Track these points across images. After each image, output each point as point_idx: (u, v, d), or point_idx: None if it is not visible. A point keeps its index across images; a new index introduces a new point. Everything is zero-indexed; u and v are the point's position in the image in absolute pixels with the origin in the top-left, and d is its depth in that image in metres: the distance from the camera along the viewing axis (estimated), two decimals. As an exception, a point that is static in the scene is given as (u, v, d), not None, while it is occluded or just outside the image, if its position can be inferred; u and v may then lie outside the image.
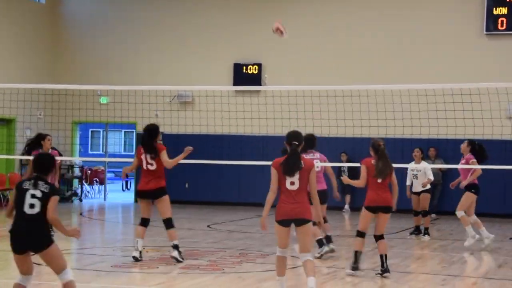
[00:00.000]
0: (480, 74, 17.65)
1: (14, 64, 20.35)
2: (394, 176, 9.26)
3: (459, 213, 11.76)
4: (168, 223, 9.89)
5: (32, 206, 6.22)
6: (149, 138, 10.04)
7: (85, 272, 9.31)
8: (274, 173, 7.24)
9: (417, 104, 15.55)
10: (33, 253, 6.33)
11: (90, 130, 31.33)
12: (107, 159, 18.92)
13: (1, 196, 18.70)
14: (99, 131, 30.34)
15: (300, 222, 7.18)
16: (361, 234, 9.15)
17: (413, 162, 13.75)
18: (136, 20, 21.75)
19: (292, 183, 7.15)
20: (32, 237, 6.20)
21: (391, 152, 13.41)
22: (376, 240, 9.14)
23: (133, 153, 24.58)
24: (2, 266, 9.88)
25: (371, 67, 19.42)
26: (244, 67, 20.65)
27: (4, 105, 17.80)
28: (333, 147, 17.99)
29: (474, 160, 11.85)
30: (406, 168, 13.75)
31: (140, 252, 9.90)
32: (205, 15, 21.19)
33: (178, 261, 9.74)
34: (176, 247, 9.83)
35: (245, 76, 20.54)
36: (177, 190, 20.19)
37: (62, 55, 22.21)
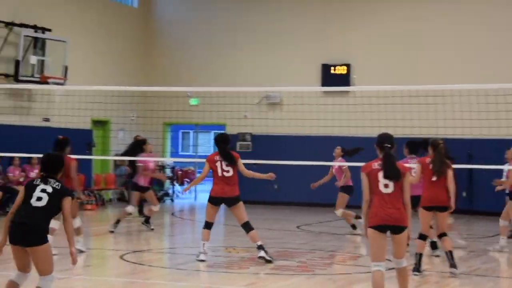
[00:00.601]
0: None
1: (108, 67, 20.98)
2: (450, 175, 9.12)
3: None
4: (247, 227, 9.99)
5: (39, 199, 6.04)
6: (225, 145, 10.15)
7: (176, 271, 9.50)
8: (365, 179, 6.77)
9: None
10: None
11: (181, 131, 31.90)
12: (197, 160, 19.17)
13: (98, 196, 19.30)
14: (190, 132, 30.83)
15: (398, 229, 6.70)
16: (423, 237, 9.15)
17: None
18: (225, 23, 22.04)
19: (387, 186, 6.66)
20: (29, 229, 5.95)
21: (488, 153, 13.13)
22: (439, 238, 9.21)
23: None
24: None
25: (462, 66, 18.99)
26: (332, 68, 20.59)
27: (100, 107, 18.41)
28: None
29: None
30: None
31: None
32: (292, 16, 21.24)
33: (267, 261, 9.78)
34: (261, 247, 9.88)
35: (333, 77, 20.47)
36: (267, 191, 20.37)
37: (154, 57, 22.74)
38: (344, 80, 20.29)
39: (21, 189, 6.32)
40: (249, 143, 21.50)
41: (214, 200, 10.13)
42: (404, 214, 6.68)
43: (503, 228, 11.58)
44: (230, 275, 9.33)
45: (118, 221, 13.20)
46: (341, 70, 20.56)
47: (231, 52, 21.83)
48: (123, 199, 18.98)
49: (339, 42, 20.72)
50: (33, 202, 6.03)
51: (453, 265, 8.91)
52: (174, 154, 22.76)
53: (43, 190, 6.07)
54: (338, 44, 20.72)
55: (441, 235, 9.13)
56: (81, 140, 19.32)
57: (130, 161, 16.78)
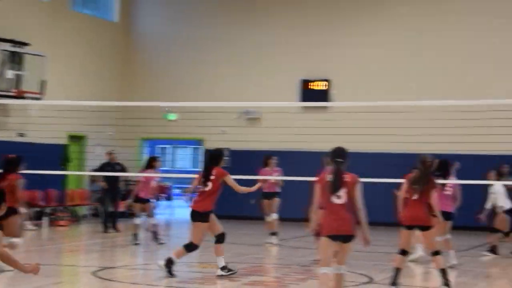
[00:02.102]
0: None
1: (86, 81, 20.86)
2: (433, 194, 9.00)
3: None
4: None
5: None
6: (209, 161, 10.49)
7: (149, 287, 9.42)
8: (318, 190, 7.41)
9: (490, 120, 15.20)
10: None
11: (159, 146, 31.89)
12: (174, 175, 19.20)
13: (72, 211, 19.15)
14: (167, 148, 30.82)
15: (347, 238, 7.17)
16: (403, 252, 9.01)
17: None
18: (203, 38, 22.05)
19: (338, 197, 7.19)
20: None
21: (470, 169, 13.21)
22: (432, 256, 9.05)
23: (200, 169, 24.89)
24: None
25: (440, 82, 19.18)
26: (312, 83, 20.68)
27: (77, 122, 18.34)
28: (402, 163, 17.75)
29: None
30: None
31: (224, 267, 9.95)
32: (272, 32, 21.33)
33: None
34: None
35: (312, 92, 20.54)
36: (243, 206, 20.33)
37: (133, 72, 22.71)
38: (323, 95, 20.33)
39: None
40: (228, 158, 21.42)
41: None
42: (352, 224, 7.16)
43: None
44: None
45: (134, 235, 13.97)
46: (321, 85, 20.66)
47: (210, 67, 21.85)
48: (97, 215, 18.83)
49: (319, 57, 20.83)
50: None
51: (446, 283, 8.72)
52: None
53: None
54: (318, 60, 20.83)
55: (434, 253, 8.93)
56: (56, 155, 19.31)
57: (105, 176, 16.80)
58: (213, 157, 10.57)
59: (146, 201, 14.06)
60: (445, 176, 11.15)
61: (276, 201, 14.59)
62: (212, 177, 10.08)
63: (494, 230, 13.21)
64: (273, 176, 14.32)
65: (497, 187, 13.05)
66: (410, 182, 9.01)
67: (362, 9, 20.68)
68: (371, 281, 10.05)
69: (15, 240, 9.75)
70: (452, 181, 11.53)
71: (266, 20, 21.47)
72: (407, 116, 16.67)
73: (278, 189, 14.54)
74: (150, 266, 11.76)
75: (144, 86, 22.18)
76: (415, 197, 8.92)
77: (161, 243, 13.95)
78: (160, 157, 15.65)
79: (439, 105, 15.98)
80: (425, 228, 8.91)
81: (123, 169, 17.30)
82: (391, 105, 16.34)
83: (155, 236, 14.13)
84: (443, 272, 8.80)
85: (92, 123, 19.22)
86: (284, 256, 12.04)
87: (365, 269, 10.96)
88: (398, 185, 13.01)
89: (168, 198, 18.08)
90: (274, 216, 14.44)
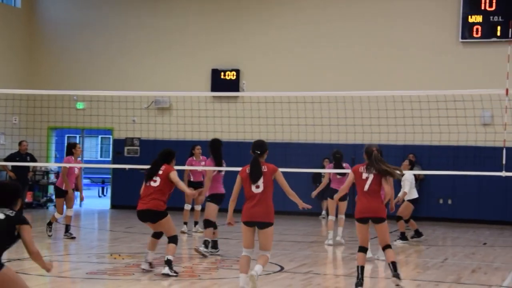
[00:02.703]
0: (455, 81, 17.88)
1: None
2: (386, 183, 8.68)
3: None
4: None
5: None
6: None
7: (60, 279, 9.27)
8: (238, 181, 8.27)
9: (394, 111, 15.69)
10: None
11: (66, 135, 31.16)
12: (82, 165, 18.79)
13: None
14: (76, 137, 30.19)
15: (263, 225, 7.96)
16: (362, 249, 8.64)
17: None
18: (112, 26, 21.78)
19: (257, 187, 7.97)
20: None
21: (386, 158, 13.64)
22: (383, 250, 8.73)
23: (109, 158, 24.52)
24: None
25: (349, 74, 19.57)
26: (222, 73, 20.69)
27: None
28: (313, 153, 18.11)
29: None
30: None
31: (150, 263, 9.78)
32: (182, 20, 21.24)
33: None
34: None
35: (223, 82, 20.57)
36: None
37: (38, 60, 22.16)
38: (233, 85, 20.43)
39: None
40: (137, 148, 21.28)
41: None
42: (269, 212, 7.95)
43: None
44: (114, 282, 9.20)
45: (50, 223, 13.45)
46: (231, 75, 20.69)
47: (119, 55, 21.58)
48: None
49: (229, 47, 20.88)
50: None
51: (396, 275, 8.44)
52: (59, 159, 22.13)
53: None
54: (228, 50, 20.88)
55: (385, 247, 8.58)
56: None
57: (14, 167, 16.37)
58: (165, 155, 9.98)
59: (66, 192, 13.33)
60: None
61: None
62: (160, 173, 9.65)
63: (399, 218, 13.70)
64: (199, 166, 14.31)
65: (408, 176, 13.50)
66: (360, 174, 8.61)
67: None
68: (282, 269, 10.25)
69: None
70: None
71: (177, 6, 21.35)
72: (314, 107, 17.00)
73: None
74: (59, 257, 11.59)
75: (50, 74, 21.69)
76: (366, 188, 8.55)
77: (72, 237, 13.38)
78: (79, 143, 14.82)
79: (346, 95, 16.36)
80: (379, 220, 8.52)
81: (32, 159, 16.99)
82: (298, 95, 16.64)
83: (67, 229, 13.50)
84: (393, 265, 8.43)
85: None
86: (194, 246, 12.06)
87: (276, 257, 11.15)
88: (312, 175, 13.38)
89: (77, 189, 17.51)
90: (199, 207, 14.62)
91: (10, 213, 5.71)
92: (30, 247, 5.68)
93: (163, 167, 9.67)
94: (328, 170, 13.66)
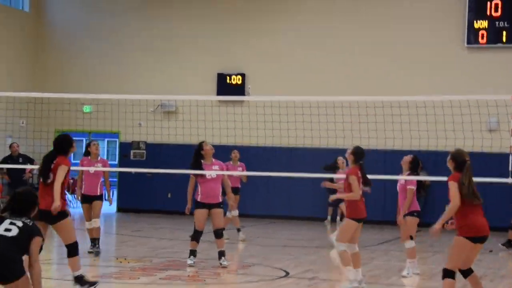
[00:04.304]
0: (461, 86, 17.77)
1: None
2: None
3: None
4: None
5: (8, 230, 5.60)
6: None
7: (65, 282, 9.23)
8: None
9: (399, 116, 15.61)
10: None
11: (74, 139, 31.35)
12: (83, 168, 18.62)
13: None
14: (82, 140, 30.23)
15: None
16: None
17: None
18: (120, 30, 21.85)
19: None
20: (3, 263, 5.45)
21: (373, 164, 13.56)
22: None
23: (116, 162, 24.50)
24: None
25: (353, 79, 19.57)
26: (228, 77, 20.73)
27: None
28: (315, 158, 18.06)
29: None
30: (390, 181, 13.68)
31: None
32: (188, 25, 21.28)
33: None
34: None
35: (229, 86, 20.58)
36: (159, 200, 20.24)
37: (46, 63, 22.25)
38: (239, 90, 20.41)
39: None
40: (143, 151, 21.30)
41: None
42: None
43: None
44: (120, 285, 9.16)
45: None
46: (236, 80, 20.71)
47: (126, 59, 21.65)
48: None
49: (234, 51, 20.91)
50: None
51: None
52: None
53: (12, 223, 5.65)
54: (233, 54, 20.91)
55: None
56: None
57: (8, 170, 16.24)
58: (59, 143, 8.72)
59: (94, 198, 11.69)
60: None
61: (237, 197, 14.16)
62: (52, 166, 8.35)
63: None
64: (236, 172, 13.98)
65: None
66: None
67: (279, 4, 20.84)
68: (287, 275, 10.20)
69: None
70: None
71: (183, 11, 21.39)
72: (319, 111, 16.94)
73: (238, 185, 14.34)
74: (64, 260, 11.53)
75: (57, 77, 21.77)
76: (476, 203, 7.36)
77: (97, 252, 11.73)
78: (97, 141, 12.49)
79: (351, 100, 16.33)
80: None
81: (26, 160, 16.74)
82: (304, 100, 16.59)
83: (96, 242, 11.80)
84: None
85: (3, 115, 18.67)
86: (200, 250, 12.00)
87: (281, 262, 11.11)
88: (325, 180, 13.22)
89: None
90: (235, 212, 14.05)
91: (28, 222, 5.70)
92: (33, 258, 5.63)
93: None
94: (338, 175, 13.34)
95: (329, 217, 18.37)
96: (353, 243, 8.84)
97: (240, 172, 14.38)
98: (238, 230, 14.36)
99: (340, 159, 15.35)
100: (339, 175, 13.41)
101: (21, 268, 5.51)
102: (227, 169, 12.52)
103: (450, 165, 7.42)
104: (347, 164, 12.89)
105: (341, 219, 15.73)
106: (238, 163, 14.69)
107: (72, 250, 8.24)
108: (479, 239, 7.04)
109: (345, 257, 8.75)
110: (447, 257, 7.22)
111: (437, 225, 7.10)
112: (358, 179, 8.83)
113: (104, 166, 11.95)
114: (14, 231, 5.57)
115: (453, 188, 7.11)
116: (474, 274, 7.34)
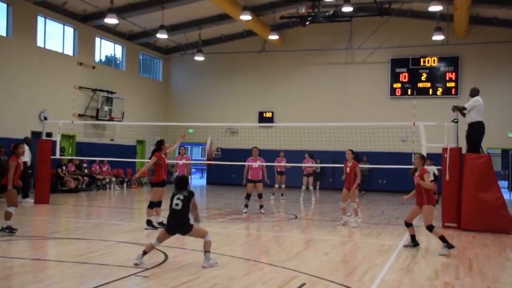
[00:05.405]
0: (387, 118, 17.52)
1: (144, 112, 19.88)
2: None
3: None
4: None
5: (177, 204, 5.19)
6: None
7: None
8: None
9: (360, 134, 15.17)
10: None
11: (180, 145, 30.73)
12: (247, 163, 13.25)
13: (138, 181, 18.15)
14: (187, 147, 30.08)
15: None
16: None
17: None
18: (209, 87, 21.05)
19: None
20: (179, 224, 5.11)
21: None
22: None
23: (205, 158, 23.75)
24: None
25: (335, 112, 18.90)
26: (264, 113, 20.18)
27: (140, 133, 18.08)
28: (315, 157, 16.76)
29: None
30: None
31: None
32: (243, 83, 20.48)
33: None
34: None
35: (265, 118, 19.98)
36: (229, 177, 19.75)
37: (171, 109, 21.47)
38: (270, 120, 19.83)
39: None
40: (220, 153, 20.02)
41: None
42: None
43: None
44: (208, 223, 8.05)
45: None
46: (269, 114, 20.08)
47: (213, 103, 20.64)
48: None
49: (267, 97, 20.09)
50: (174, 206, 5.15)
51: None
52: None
53: (178, 198, 5.18)
54: (267, 98, 20.09)
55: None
56: (130, 151, 18.64)
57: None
58: (156, 145, 7.75)
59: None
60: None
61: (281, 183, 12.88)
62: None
63: None
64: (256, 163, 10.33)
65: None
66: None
67: (294, 70, 19.84)
68: (296, 217, 9.45)
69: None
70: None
71: (240, 76, 20.56)
72: (323, 130, 16.68)
73: (261, 177, 10.37)
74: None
75: (177, 115, 21.08)
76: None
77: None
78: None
79: (326, 126, 15.84)
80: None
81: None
82: (312, 126, 16.46)
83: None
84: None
85: (146, 134, 18.98)
86: (250, 204, 10.78)
87: (293, 212, 10.51)
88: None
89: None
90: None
91: (185, 193, 5.23)
92: (196, 210, 5.18)
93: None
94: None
95: (303, 187, 14.08)
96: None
97: (261, 163, 10.50)
98: (282, 195, 13.62)
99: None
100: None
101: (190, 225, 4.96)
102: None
103: (418, 162, 6.52)
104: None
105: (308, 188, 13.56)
106: (258, 157, 10.59)
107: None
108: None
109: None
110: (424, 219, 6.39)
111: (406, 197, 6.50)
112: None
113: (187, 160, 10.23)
114: (180, 205, 5.08)
115: (427, 177, 6.34)
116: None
